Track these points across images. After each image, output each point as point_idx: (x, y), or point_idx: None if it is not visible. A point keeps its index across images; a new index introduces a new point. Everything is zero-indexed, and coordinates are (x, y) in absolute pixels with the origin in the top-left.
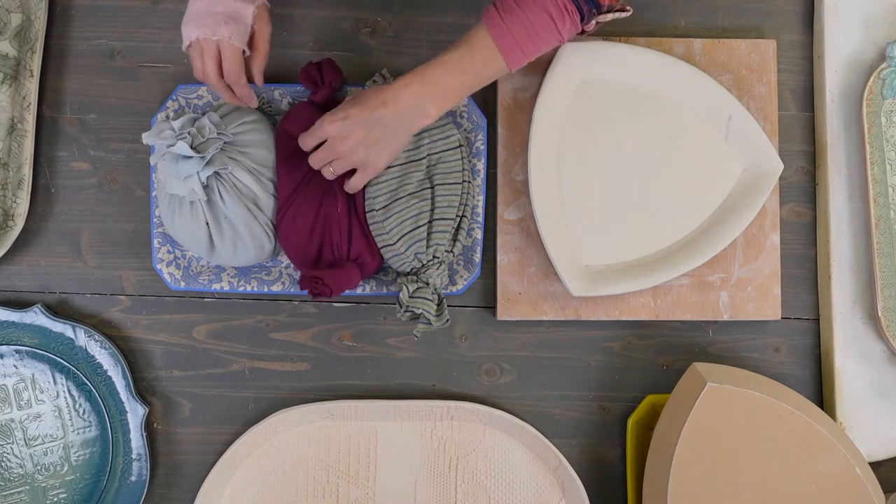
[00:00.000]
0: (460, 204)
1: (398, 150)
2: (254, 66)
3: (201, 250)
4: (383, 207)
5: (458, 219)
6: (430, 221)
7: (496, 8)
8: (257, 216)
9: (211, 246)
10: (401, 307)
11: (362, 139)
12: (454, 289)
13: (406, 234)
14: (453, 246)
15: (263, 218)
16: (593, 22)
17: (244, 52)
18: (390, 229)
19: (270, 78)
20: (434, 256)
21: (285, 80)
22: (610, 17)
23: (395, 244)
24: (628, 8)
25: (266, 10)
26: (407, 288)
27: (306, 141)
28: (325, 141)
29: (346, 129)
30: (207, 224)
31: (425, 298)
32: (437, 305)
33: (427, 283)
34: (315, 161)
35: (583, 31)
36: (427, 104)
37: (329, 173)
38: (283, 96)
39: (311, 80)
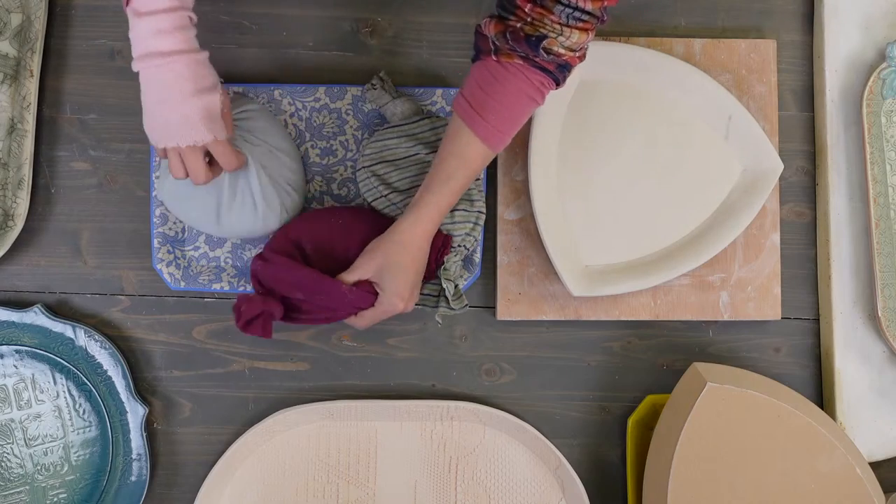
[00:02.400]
0: (476, 201)
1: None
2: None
3: (208, 220)
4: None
5: (477, 213)
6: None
7: (472, 106)
8: (277, 174)
9: (218, 215)
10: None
11: (413, 294)
12: None
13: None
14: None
15: (285, 174)
16: (566, 81)
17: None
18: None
19: (270, 78)
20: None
21: (285, 80)
22: (575, 71)
23: None
24: (585, 52)
25: (222, 86)
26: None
27: (370, 323)
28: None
29: (412, 300)
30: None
31: (448, 279)
32: (455, 288)
33: (446, 267)
34: (364, 323)
35: (558, 87)
36: (435, 227)
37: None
38: (282, 96)
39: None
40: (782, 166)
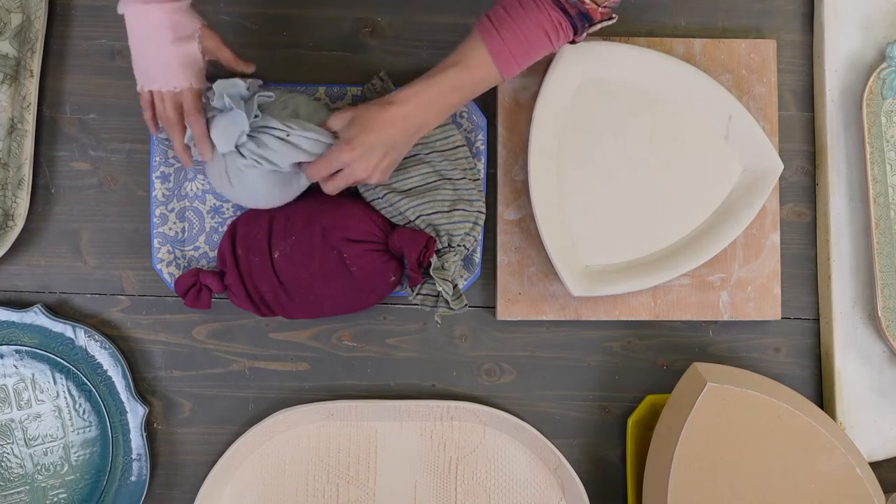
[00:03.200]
0: (476, 200)
1: (401, 157)
2: (233, 65)
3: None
4: (404, 192)
5: (476, 213)
6: (449, 210)
7: (490, 21)
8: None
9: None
10: (412, 290)
11: (378, 162)
12: None
13: (426, 214)
14: (467, 239)
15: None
16: (584, 34)
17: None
18: (406, 209)
19: (271, 78)
20: (448, 245)
21: (285, 80)
22: (598, 26)
23: (414, 221)
24: (614, 16)
25: (206, 29)
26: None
27: (318, 170)
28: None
29: (366, 157)
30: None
31: (444, 279)
32: (454, 288)
33: (443, 267)
34: (330, 188)
35: (573, 42)
36: (430, 119)
37: (333, 188)
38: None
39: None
40: (782, 166)
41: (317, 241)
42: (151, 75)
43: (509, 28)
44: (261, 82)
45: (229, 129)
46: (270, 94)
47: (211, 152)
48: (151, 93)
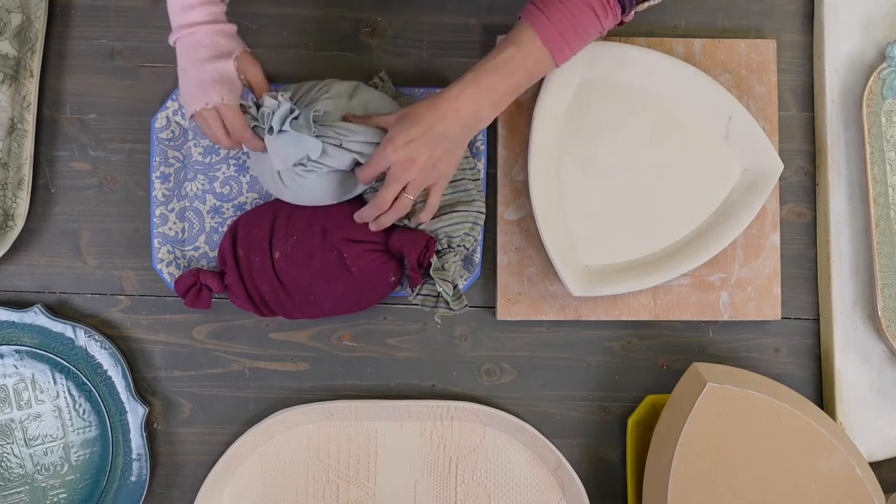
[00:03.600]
0: (475, 201)
1: (461, 155)
2: (259, 91)
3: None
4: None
5: (476, 213)
6: (449, 210)
7: (536, 6)
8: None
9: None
10: (412, 291)
11: (430, 156)
12: None
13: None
14: (467, 239)
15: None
16: (632, 13)
17: (243, 106)
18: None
19: (271, 78)
20: (448, 245)
21: (285, 80)
22: (646, 5)
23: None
24: None
25: (247, 55)
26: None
27: (367, 174)
28: (386, 173)
29: (413, 152)
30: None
31: (444, 280)
32: (454, 289)
33: (443, 268)
34: (384, 204)
35: (622, 23)
36: (484, 110)
37: (408, 203)
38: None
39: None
40: (782, 166)
41: (317, 241)
42: (191, 97)
43: (556, 10)
44: (280, 86)
45: (290, 150)
46: (319, 108)
47: (263, 147)
48: (199, 116)
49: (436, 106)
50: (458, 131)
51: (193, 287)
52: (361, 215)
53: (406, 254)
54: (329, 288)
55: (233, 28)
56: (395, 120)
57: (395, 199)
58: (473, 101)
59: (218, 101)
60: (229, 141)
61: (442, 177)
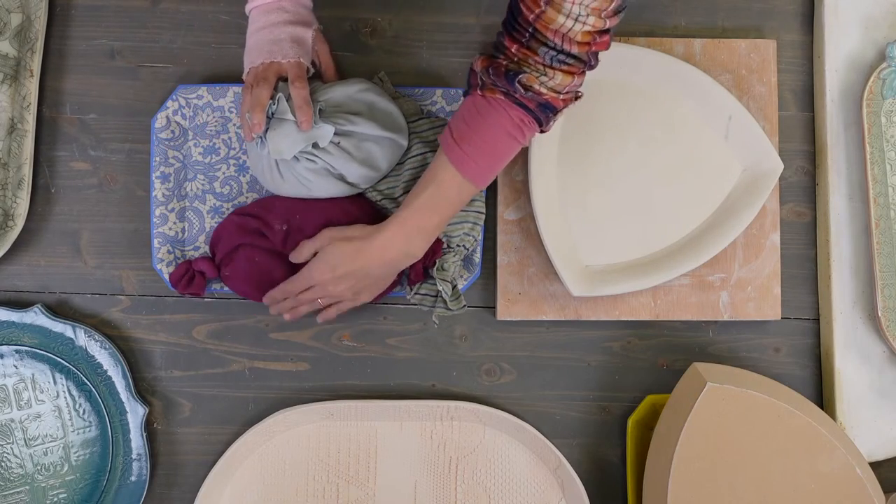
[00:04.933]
0: (475, 200)
1: (385, 286)
2: (328, 73)
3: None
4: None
5: (476, 213)
6: None
7: (453, 138)
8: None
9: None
10: (411, 289)
11: (352, 286)
12: None
13: None
14: (467, 239)
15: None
16: (552, 123)
17: (308, 70)
18: None
19: None
20: (448, 245)
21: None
22: (565, 110)
23: None
24: (580, 93)
25: (320, 33)
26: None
27: (294, 286)
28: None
29: (337, 283)
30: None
31: (444, 280)
32: (453, 289)
33: (443, 268)
34: (303, 300)
35: (542, 131)
36: (412, 248)
37: (316, 305)
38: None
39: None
40: (782, 166)
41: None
42: (261, 52)
43: (469, 140)
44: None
45: (295, 137)
46: (322, 102)
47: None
48: (254, 70)
49: (364, 252)
50: (384, 270)
51: (186, 274)
52: (271, 296)
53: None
54: None
55: (310, 2)
56: (323, 246)
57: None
58: (402, 243)
59: (294, 58)
60: (262, 113)
61: (358, 301)
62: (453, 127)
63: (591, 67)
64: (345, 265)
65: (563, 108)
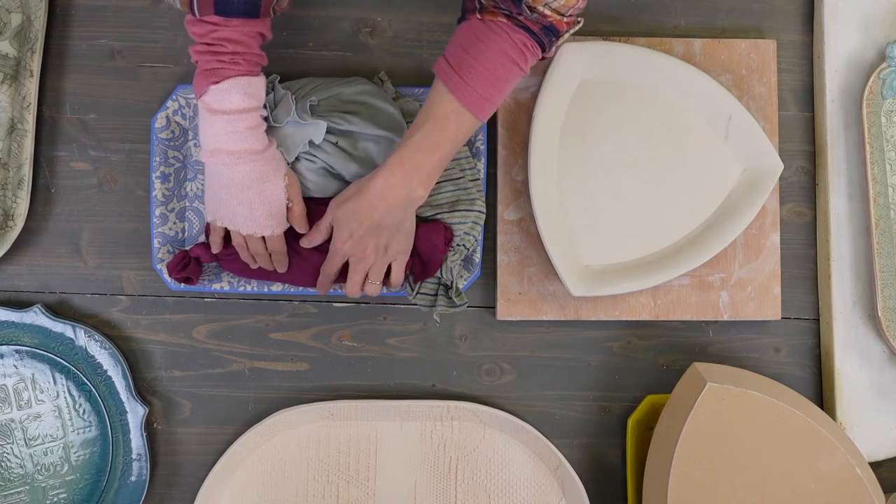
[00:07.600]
0: (475, 200)
1: (412, 228)
2: (297, 224)
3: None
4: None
5: (476, 213)
6: (449, 210)
7: (450, 65)
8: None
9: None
10: (412, 289)
11: (377, 244)
12: None
13: (426, 215)
14: (467, 239)
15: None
16: (554, 49)
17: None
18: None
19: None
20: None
21: (285, 80)
22: (567, 35)
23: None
24: (580, 20)
25: (291, 177)
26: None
27: (332, 267)
28: (347, 262)
29: (359, 244)
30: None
31: (444, 279)
32: (454, 287)
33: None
34: (355, 289)
35: (543, 58)
36: (415, 190)
37: (377, 289)
38: None
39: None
40: (782, 166)
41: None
42: (234, 219)
43: (469, 67)
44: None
45: (290, 143)
46: (315, 98)
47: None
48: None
49: (365, 198)
50: (393, 216)
51: (182, 261)
52: (322, 284)
53: (422, 252)
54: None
55: (274, 147)
56: (333, 215)
57: (364, 284)
58: (402, 185)
59: (269, 234)
60: (264, 253)
61: (399, 254)
62: (450, 55)
63: None
64: (355, 223)
65: (566, 31)
